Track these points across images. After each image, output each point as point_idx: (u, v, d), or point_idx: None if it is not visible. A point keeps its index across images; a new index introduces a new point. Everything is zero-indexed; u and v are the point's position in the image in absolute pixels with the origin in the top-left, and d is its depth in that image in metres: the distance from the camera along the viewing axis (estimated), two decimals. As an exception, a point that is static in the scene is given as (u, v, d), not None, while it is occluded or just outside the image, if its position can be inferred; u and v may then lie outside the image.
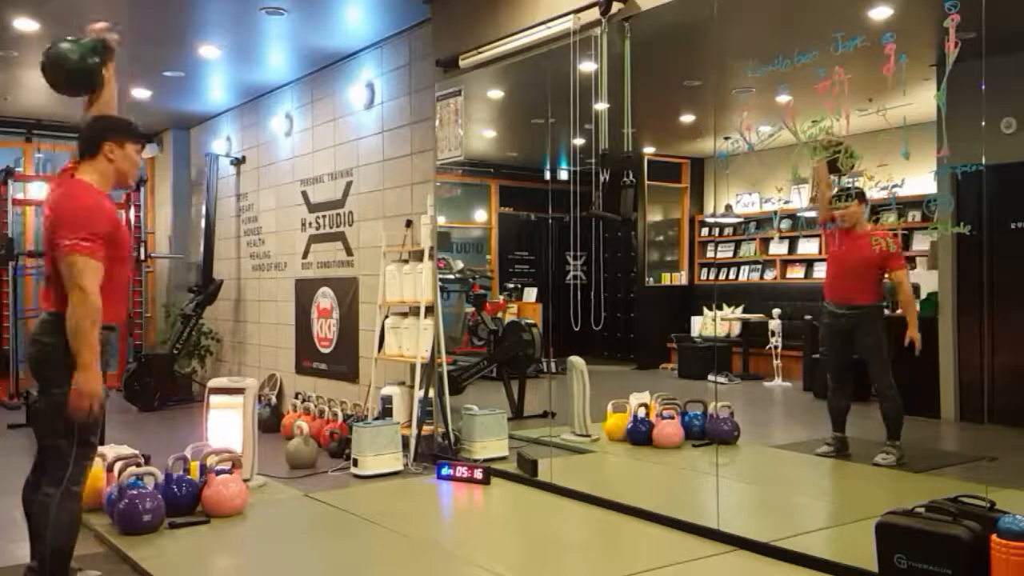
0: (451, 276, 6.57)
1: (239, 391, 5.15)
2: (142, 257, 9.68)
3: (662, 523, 4.12)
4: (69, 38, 3.53)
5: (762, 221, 7.44)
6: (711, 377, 6.72)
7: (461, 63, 5.74)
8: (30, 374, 3.25)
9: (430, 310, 5.83)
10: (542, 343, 6.70)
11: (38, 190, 9.59)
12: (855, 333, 5.08)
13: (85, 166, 3.32)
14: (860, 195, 4.80)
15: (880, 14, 4.21)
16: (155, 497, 4.16)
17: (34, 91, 8.27)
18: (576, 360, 5.91)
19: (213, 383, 5.31)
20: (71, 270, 3.09)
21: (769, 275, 7.70)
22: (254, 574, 3.92)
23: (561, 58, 4.98)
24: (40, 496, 3.15)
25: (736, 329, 7.70)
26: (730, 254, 8.09)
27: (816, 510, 4.57)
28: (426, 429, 5.79)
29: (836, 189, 4.78)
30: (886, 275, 5.08)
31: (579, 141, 5.24)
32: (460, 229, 8.09)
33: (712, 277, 8.22)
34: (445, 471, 5.15)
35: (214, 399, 5.15)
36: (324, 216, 7.71)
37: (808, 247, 7.23)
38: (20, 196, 9.51)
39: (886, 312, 5.23)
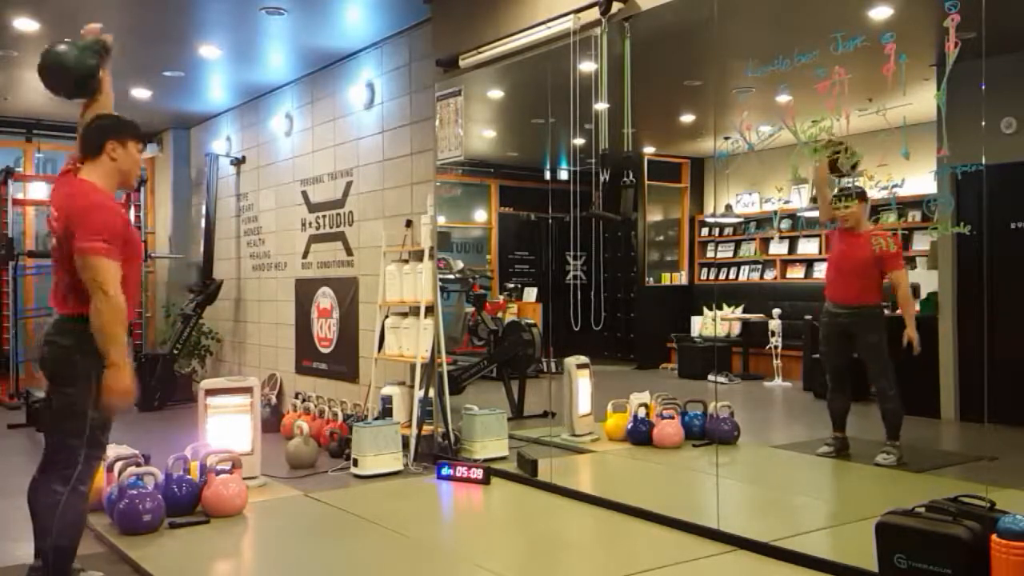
0: (451, 276, 6.56)
1: (246, 390, 5.10)
2: (142, 257, 9.69)
3: (662, 523, 4.12)
4: (66, 41, 3.52)
5: (762, 221, 7.45)
6: (711, 377, 6.73)
7: (461, 63, 5.74)
8: (44, 374, 3.24)
9: (430, 310, 5.83)
10: (542, 343, 6.70)
11: (38, 190, 9.59)
12: (855, 333, 5.08)
13: (88, 166, 3.29)
14: (861, 195, 4.81)
15: (880, 14, 4.21)
16: (155, 497, 4.16)
17: (34, 91, 8.26)
18: (567, 361, 5.93)
19: (209, 384, 5.09)
20: (92, 273, 3.06)
21: (769, 275, 7.71)
22: (254, 574, 3.93)
23: (561, 58, 4.98)
24: (47, 494, 3.13)
25: (736, 329, 7.71)
26: (730, 254, 8.10)
27: (816, 510, 4.57)
28: (426, 429, 5.79)
29: (837, 189, 4.78)
30: (886, 275, 5.08)
31: (579, 141, 5.24)
32: (460, 229, 8.09)
33: (712, 277, 8.23)
34: (445, 471, 5.15)
35: (215, 400, 5.02)
36: (324, 216, 7.71)
37: (808, 247, 7.24)
38: (20, 196, 9.51)
39: (886, 312, 5.23)
